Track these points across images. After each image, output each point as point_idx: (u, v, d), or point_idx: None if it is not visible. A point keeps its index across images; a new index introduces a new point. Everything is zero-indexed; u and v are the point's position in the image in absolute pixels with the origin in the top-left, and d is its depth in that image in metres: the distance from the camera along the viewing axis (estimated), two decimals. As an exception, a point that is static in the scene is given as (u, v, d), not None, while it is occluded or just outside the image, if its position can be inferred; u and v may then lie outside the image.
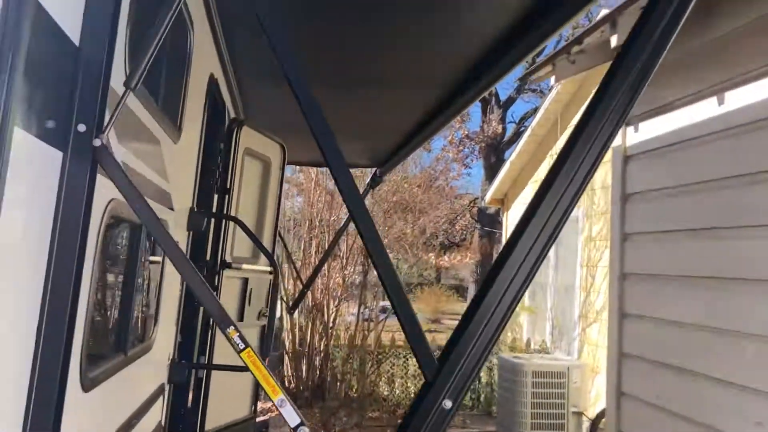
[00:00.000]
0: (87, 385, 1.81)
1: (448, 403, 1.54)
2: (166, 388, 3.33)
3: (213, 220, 4.35)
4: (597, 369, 8.50)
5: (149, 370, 2.83)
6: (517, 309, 10.40)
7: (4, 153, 1.13)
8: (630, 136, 3.97)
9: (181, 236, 3.30)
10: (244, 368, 3.79)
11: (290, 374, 10.55)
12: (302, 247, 10.84)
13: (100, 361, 1.99)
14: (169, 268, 2.99)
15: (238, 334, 1.55)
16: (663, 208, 3.69)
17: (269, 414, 10.11)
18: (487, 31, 3.46)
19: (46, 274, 1.40)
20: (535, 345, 10.81)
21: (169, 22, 1.54)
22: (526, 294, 12.12)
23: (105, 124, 1.49)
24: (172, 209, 2.91)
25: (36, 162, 1.33)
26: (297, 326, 10.39)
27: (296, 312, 10.20)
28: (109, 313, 2.22)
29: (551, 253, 10.72)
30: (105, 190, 1.75)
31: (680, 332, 3.42)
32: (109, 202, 1.84)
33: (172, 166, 2.78)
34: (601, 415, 7.23)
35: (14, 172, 1.19)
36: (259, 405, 10.79)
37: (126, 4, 1.66)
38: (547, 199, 1.71)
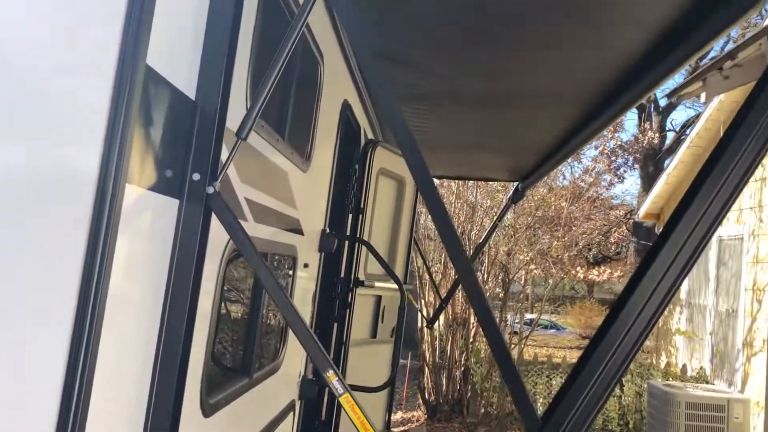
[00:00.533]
0: (208, 411, 1.92)
1: (551, 464, 1.46)
2: (297, 404, 3.46)
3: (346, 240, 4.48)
4: (763, 404, 7.71)
5: (278, 389, 2.95)
6: (672, 331, 9.77)
7: (116, 206, 1.23)
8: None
9: (313, 257, 3.42)
10: (374, 389, 3.85)
11: (430, 387, 10.58)
12: (443, 260, 10.84)
13: (221, 389, 2.10)
14: (300, 291, 3.10)
15: (337, 378, 1.57)
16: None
17: (408, 425, 10.20)
18: (634, 45, 3.28)
19: (162, 314, 1.51)
20: (693, 372, 10.02)
21: (277, 75, 1.61)
22: (682, 316, 11.32)
23: (218, 172, 1.58)
24: (302, 233, 3.02)
25: (151, 211, 1.44)
26: (437, 339, 10.41)
27: (436, 324, 10.21)
28: (233, 342, 2.34)
29: (711, 275, 9.90)
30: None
31: None
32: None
33: (301, 193, 2.89)
34: (767, 457, 6.55)
35: (127, 222, 1.29)
36: (399, 415, 10.96)
37: (245, 57, 1.75)
38: (672, 238, 1.57)
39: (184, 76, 1.52)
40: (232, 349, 2.35)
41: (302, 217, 2.99)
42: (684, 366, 10.34)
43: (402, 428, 9.99)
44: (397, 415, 10.94)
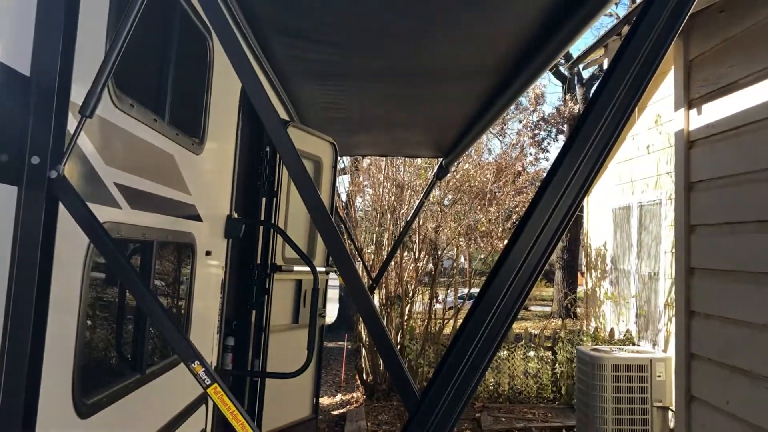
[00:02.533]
0: (84, 413, 1.79)
1: (431, 441, 1.41)
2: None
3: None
4: (684, 361, 8.02)
5: (183, 382, 2.83)
6: (599, 297, 10.01)
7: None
8: (693, 120, 3.65)
9: (217, 244, 3.29)
10: (291, 375, 3.77)
11: (367, 367, 10.58)
12: (375, 241, 10.82)
13: (103, 387, 1.97)
14: (202, 280, 2.98)
15: (204, 369, 1.48)
16: (731, 197, 3.37)
17: (348, 407, 10.19)
18: (532, 15, 3.27)
19: (5, 315, 1.38)
20: (620, 335, 10.34)
21: (122, 46, 1.48)
22: (608, 281, 11.63)
23: (63, 154, 1.45)
24: (199, 219, 2.89)
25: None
26: (372, 319, 10.39)
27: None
28: (116, 337, 2.21)
29: (633, 240, 10.21)
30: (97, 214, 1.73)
31: (751, 334, 3.11)
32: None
33: (194, 177, 2.76)
34: (688, 411, 6.82)
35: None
36: (338, 398, 10.92)
37: (100, 28, 1.61)
38: (533, 219, 1.53)
39: (13, 50, 1.38)
40: (116, 344, 2.22)
41: (198, 202, 2.86)
42: (612, 330, 10.66)
43: (341, 410, 9.96)
44: (336, 398, 10.91)
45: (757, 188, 3.14)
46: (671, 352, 8.46)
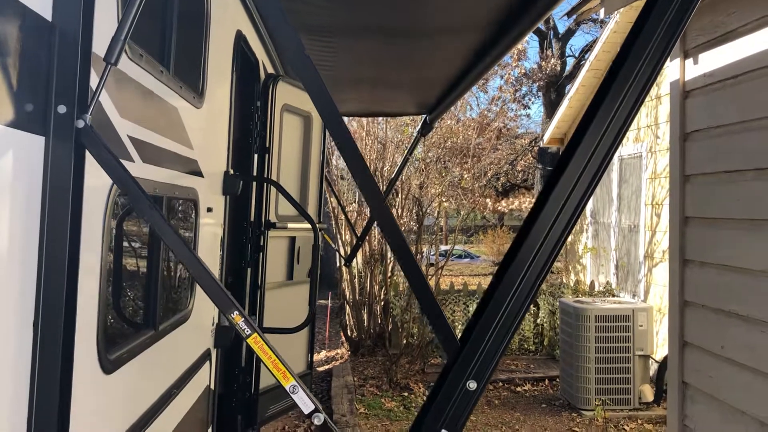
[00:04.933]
0: (108, 368, 1.78)
1: (472, 384, 1.42)
2: (213, 352, 3.34)
3: (254, 181, 4.30)
4: (664, 310, 8.22)
5: (189, 339, 2.82)
6: (578, 251, 10.21)
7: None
8: (689, 69, 3.65)
9: (217, 201, 3.25)
10: (291, 330, 3.77)
11: (352, 324, 10.67)
12: (357, 198, 10.80)
13: (123, 343, 1.95)
14: (205, 237, 2.94)
15: (243, 319, 1.46)
16: (727, 147, 3.40)
17: (333, 363, 10.30)
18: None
19: (38, 265, 1.34)
20: (600, 287, 10.55)
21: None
22: (589, 234, 11.82)
23: (89, 103, 1.40)
24: (201, 175, 2.84)
25: (12, 151, 1.25)
26: (356, 276, 10.45)
27: (354, 262, 10.23)
28: (133, 293, 2.18)
29: (614, 194, 10.33)
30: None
31: (746, 279, 3.18)
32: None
33: (196, 132, 2.70)
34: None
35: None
36: (323, 354, 11.03)
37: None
38: (575, 160, 1.53)
39: (38, -7, 1.31)
40: (133, 300, 2.20)
41: (200, 157, 2.80)
42: (592, 282, 10.86)
43: (326, 366, 10.08)
44: (321, 355, 11.02)
45: (756, 136, 3.17)
46: (651, 302, 8.66)
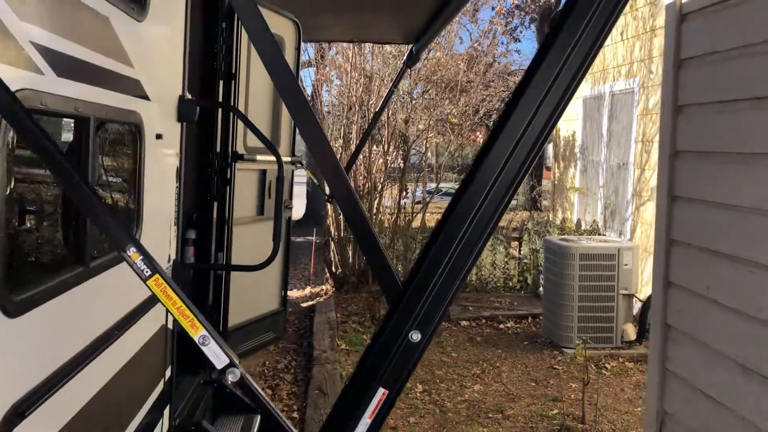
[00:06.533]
0: (13, 310, 1.57)
1: (416, 336, 1.23)
2: (170, 290, 3.14)
3: (220, 109, 4.03)
4: (650, 249, 8.10)
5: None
6: (566, 189, 10.02)
7: None
8: (687, -11, 3.36)
9: (169, 127, 2.99)
10: (256, 267, 3.58)
11: (336, 260, 10.55)
12: (342, 133, 10.49)
13: (37, 282, 1.74)
14: (154, 166, 2.70)
15: (141, 257, 1.25)
16: (724, 74, 3.14)
17: (317, 299, 10.22)
18: None
19: None
20: (587, 225, 10.41)
21: None
22: (576, 173, 11.64)
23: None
24: (145, 98, 2.58)
25: None
26: (341, 212, 10.25)
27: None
28: (52, 227, 1.95)
29: (604, 130, 10.07)
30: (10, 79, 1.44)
31: (737, 217, 2.99)
32: (17, 92, 1.51)
33: (137, 48, 2.42)
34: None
35: None
36: (308, 290, 10.94)
37: None
38: (533, 87, 1.29)
39: None
40: (49, 233, 1.97)
41: (144, 78, 2.53)
42: (578, 221, 10.72)
43: (311, 302, 10.00)
44: (306, 291, 10.94)
45: (755, 62, 2.92)
46: (638, 241, 8.53)
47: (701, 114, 3.31)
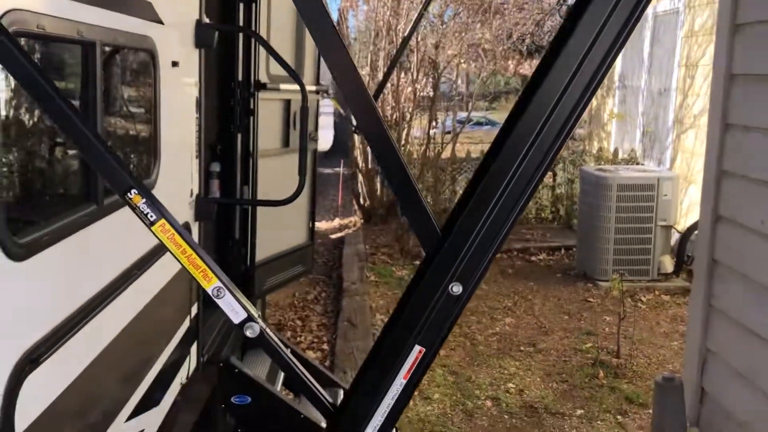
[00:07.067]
0: (18, 253, 1.45)
1: (457, 288, 1.07)
2: (194, 226, 3.04)
3: (240, 34, 3.82)
4: (691, 179, 7.80)
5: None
6: (605, 116, 9.66)
7: None
8: None
9: (187, 54, 2.81)
10: (281, 202, 3.45)
11: (364, 192, 10.42)
12: (369, 61, 10.16)
13: (46, 222, 1.62)
14: (171, 96, 2.54)
15: (144, 200, 1.10)
16: (792, -13, 2.84)
17: (346, 231, 10.17)
18: None
19: None
20: (624, 154, 10.07)
21: None
22: (616, 98, 11.19)
23: None
24: (159, 22, 2.39)
25: None
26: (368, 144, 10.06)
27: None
28: (62, 162, 1.82)
29: (645, 54, 9.57)
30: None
31: (800, 146, 2.75)
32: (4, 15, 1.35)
33: (146, -35, 2.22)
34: (692, 228, 6.68)
35: None
36: (336, 222, 10.89)
37: None
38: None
39: None
40: (59, 169, 1.85)
41: (156, 0, 2.34)
42: (616, 149, 10.37)
43: (339, 234, 9.96)
44: (334, 222, 10.89)
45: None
46: (678, 170, 8.21)
47: (764, 34, 3.02)
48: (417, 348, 1.05)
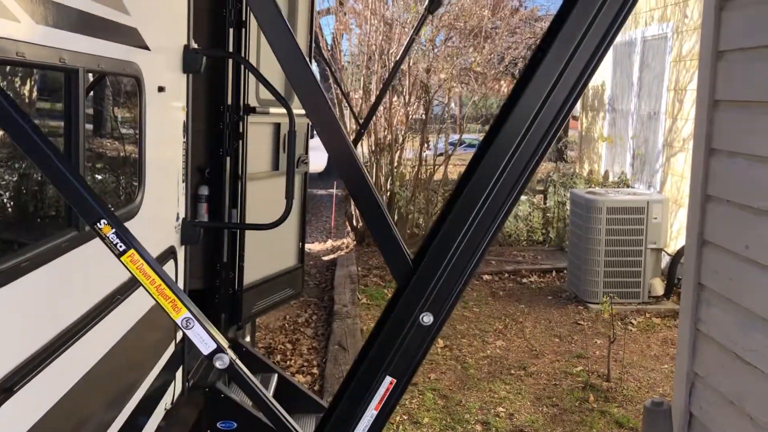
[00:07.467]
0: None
1: (427, 318, 1.08)
2: (180, 249, 3.04)
3: (230, 60, 3.84)
4: (681, 202, 7.84)
5: (140, 238, 2.49)
6: (594, 139, 9.72)
7: None
8: None
9: (174, 79, 2.83)
10: (268, 226, 3.45)
11: (357, 214, 10.43)
12: (362, 84, 10.23)
13: (25, 249, 1.61)
14: (157, 121, 2.55)
15: (113, 230, 1.10)
16: (772, 15, 2.87)
17: (338, 252, 10.15)
18: None
19: None
20: (614, 177, 10.12)
21: None
22: (605, 123, 11.30)
23: None
24: (144, 48, 2.41)
25: None
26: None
27: (360, 152, 9.83)
28: (37, 187, 1.82)
29: (634, 78, 9.67)
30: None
31: (782, 172, 2.77)
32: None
33: (133, -6, 2.24)
34: (682, 251, 6.70)
35: None
36: (329, 243, 10.87)
37: None
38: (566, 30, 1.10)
39: None
40: (41, 196, 1.85)
41: (142, 26, 2.36)
42: (606, 172, 10.43)
43: (332, 256, 9.94)
44: (327, 244, 10.87)
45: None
46: (668, 193, 8.26)
47: (745, 60, 3.06)
48: (388, 379, 1.05)
